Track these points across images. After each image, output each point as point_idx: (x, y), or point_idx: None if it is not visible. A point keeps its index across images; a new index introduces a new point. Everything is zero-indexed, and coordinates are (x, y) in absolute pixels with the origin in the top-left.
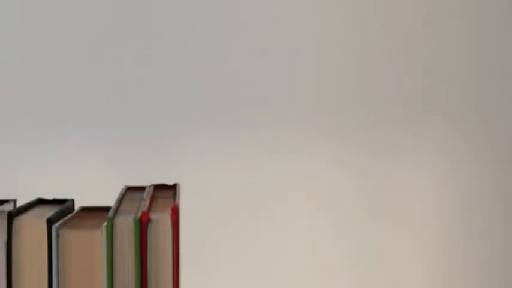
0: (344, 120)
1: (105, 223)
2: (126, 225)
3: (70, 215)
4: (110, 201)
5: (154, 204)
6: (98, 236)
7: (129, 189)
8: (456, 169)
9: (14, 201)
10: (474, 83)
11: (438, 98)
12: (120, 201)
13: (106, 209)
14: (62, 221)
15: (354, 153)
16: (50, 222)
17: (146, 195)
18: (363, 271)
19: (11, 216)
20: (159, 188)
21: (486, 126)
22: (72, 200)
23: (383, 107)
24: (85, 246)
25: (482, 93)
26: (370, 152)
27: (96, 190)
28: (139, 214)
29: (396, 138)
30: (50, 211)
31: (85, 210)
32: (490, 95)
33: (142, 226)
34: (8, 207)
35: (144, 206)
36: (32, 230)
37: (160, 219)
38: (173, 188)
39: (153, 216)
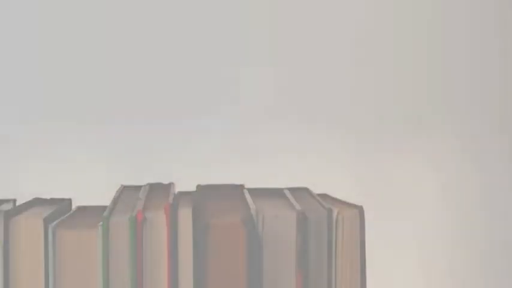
0: (345, 119)
1: (101, 222)
2: (121, 224)
3: (66, 214)
4: (107, 200)
5: (150, 203)
6: (94, 235)
7: (125, 188)
8: (459, 167)
9: (14, 200)
10: (475, 83)
11: (439, 97)
12: (116, 200)
13: (102, 208)
14: (58, 220)
15: (356, 152)
16: (46, 221)
17: (142, 194)
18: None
19: (8, 215)
20: (155, 187)
21: (486, 125)
22: (70, 200)
23: (384, 106)
24: (81, 245)
25: (482, 93)
26: (372, 150)
27: (94, 190)
28: (134, 213)
29: (398, 137)
30: (47, 211)
31: (82, 209)
32: (490, 94)
33: (138, 225)
34: (7, 206)
35: (140, 205)
36: (29, 230)
37: (155, 218)
38: (168, 187)
39: (148, 215)
